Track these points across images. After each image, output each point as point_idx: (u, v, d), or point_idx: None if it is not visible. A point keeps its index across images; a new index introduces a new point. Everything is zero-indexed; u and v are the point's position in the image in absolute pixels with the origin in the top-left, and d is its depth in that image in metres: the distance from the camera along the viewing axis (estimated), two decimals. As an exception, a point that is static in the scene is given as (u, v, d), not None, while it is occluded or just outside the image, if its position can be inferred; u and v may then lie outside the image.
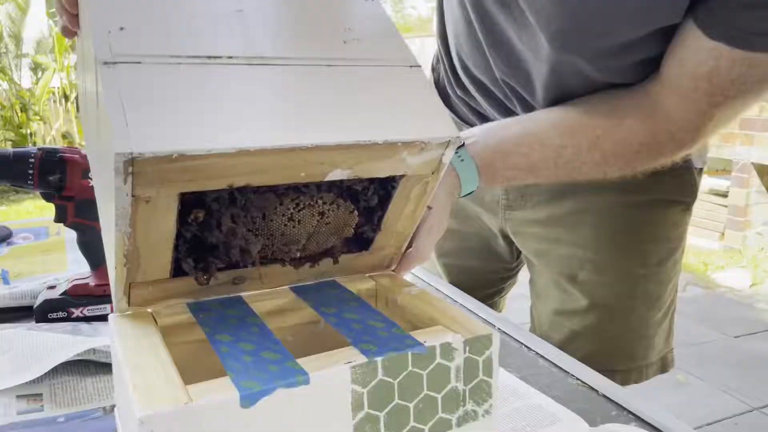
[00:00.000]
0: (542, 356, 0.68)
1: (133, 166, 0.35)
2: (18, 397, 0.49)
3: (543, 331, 0.87)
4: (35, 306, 0.73)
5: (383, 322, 0.45)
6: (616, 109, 0.65)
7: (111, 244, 0.41)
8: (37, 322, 0.72)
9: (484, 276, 1.01)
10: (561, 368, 0.65)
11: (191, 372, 0.39)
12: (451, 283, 0.97)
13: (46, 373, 0.55)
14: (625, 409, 0.58)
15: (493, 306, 1.03)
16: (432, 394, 0.42)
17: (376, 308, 0.48)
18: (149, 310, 0.45)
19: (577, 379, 0.63)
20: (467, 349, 0.42)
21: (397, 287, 0.51)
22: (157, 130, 0.36)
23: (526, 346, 0.70)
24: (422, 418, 0.41)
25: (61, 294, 0.74)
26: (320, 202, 0.46)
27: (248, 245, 0.44)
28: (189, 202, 0.41)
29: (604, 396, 0.60)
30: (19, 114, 5.61)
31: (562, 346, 0.80)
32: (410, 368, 0.40)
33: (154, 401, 0.34)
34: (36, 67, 5.83)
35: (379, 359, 0.39)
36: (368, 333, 0.43)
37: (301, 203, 0.45)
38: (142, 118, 0.36)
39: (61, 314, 0.73)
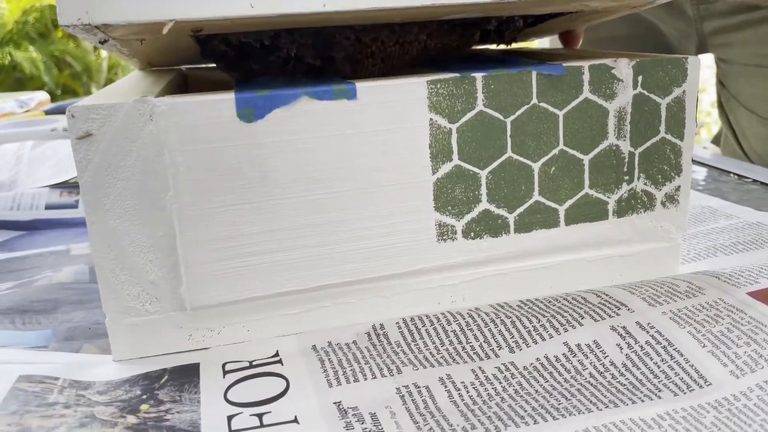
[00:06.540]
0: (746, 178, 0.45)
1: None
2: (51, 187, 0.40)
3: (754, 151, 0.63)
4: None
5: (498, 60, 0.29)
6: None
7: None
8: None
9: None
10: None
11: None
12: None
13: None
14: None
15: None
16: (572, 151, 0.25)
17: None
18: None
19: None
20: (640, 80, 0.25)
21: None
22: None
23: (718, 168, 0.47)
24: (554, 191, 0.25)
25: None
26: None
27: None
28: None
29: None
30: None
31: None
32: (534, 100, 0.24)
33: (102, 97, 0.21)
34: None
35: (478, 75, 0.23)
36: (470, 60, 0.27)
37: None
38: None
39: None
